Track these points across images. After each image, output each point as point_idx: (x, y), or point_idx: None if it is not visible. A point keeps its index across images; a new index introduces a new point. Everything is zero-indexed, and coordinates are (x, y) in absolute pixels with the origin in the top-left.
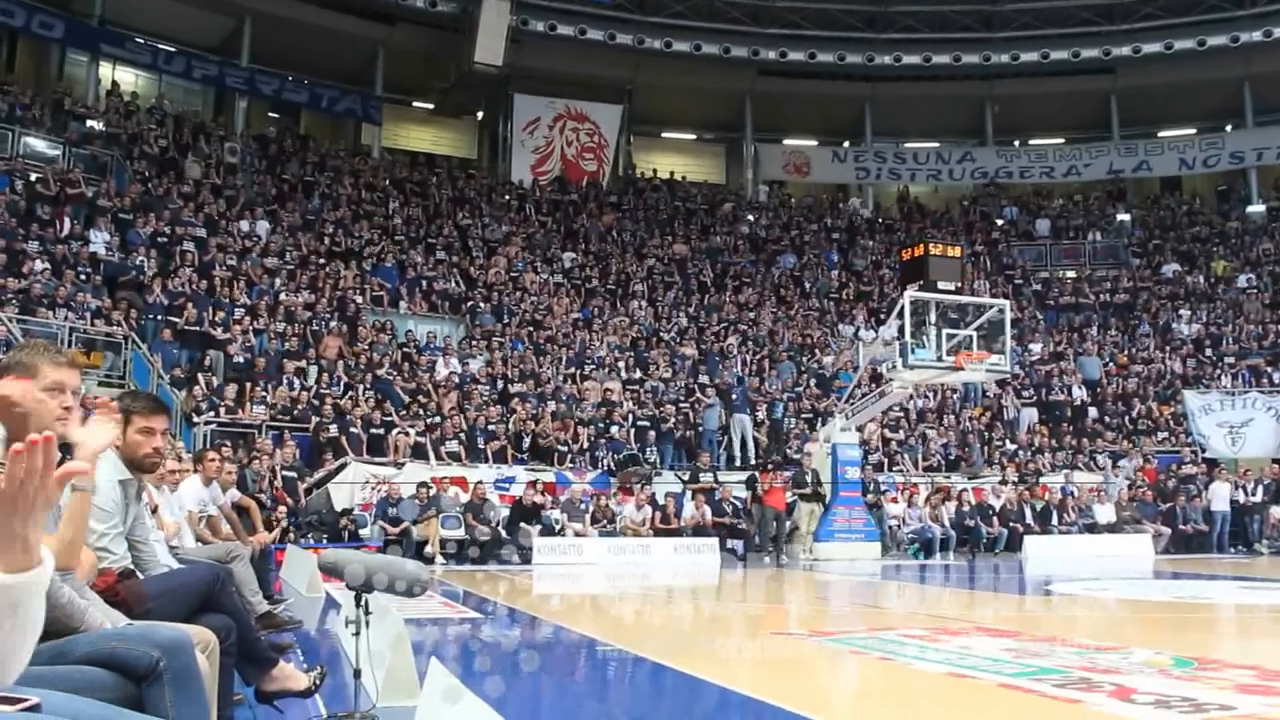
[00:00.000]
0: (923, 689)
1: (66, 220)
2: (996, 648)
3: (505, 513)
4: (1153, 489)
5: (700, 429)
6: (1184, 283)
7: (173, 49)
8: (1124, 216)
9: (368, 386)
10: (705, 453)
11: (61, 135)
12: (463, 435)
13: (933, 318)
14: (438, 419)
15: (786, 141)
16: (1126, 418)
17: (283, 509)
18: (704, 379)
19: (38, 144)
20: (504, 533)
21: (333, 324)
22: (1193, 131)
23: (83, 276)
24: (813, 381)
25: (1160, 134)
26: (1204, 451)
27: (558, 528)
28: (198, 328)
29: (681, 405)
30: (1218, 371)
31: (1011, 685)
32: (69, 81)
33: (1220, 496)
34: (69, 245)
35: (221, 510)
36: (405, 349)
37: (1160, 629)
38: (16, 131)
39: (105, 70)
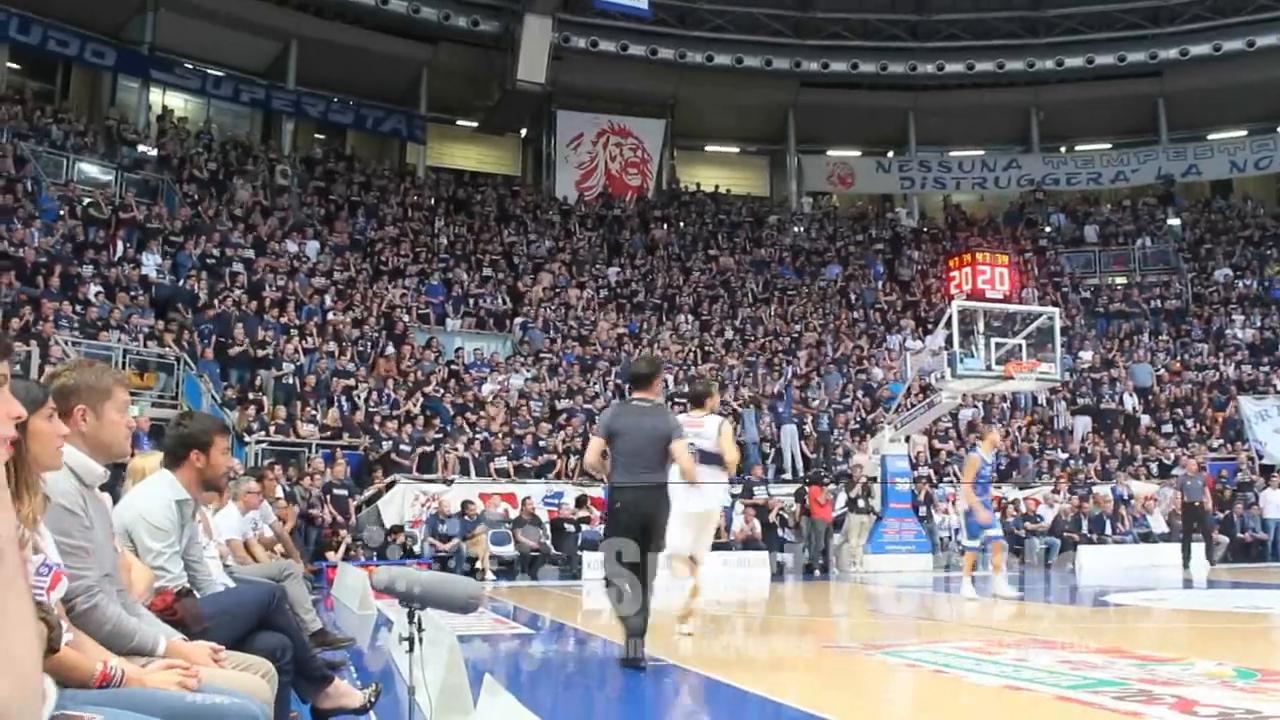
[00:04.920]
0: (979, 702)
1: (119, 244)
2: (1053, 659)
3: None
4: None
5: (744, 442)
6: (1236, 287)
7: (220, 74)
8: (1174, 221)
9: (416, 405)
10: (757, 465)
11: (114, 161)
12: (511, 451)
13: (980, 327)
14: (486, 435)
15: (830, 152)
16: (1180, 425)
17: (344, 532)
18: (749, 391)
19: (91, 169)
20: (552, 548)
21: (386, 351)
22: (1243, 133)
23: (135, 298)
24: (860, 393)
25: (1210, 136)
26: (1261, 458)
27: None
28: (247, 348)
29: (729, 418)
30: (1274, 377)
31: (1069, 698)
32: (120, 108)
33: (1274, 504)
34: (122, 268)
35: (274, 529)
36: (453, 366)
37: (1221, 640)
38: (71, 158)
39: (155, 96)
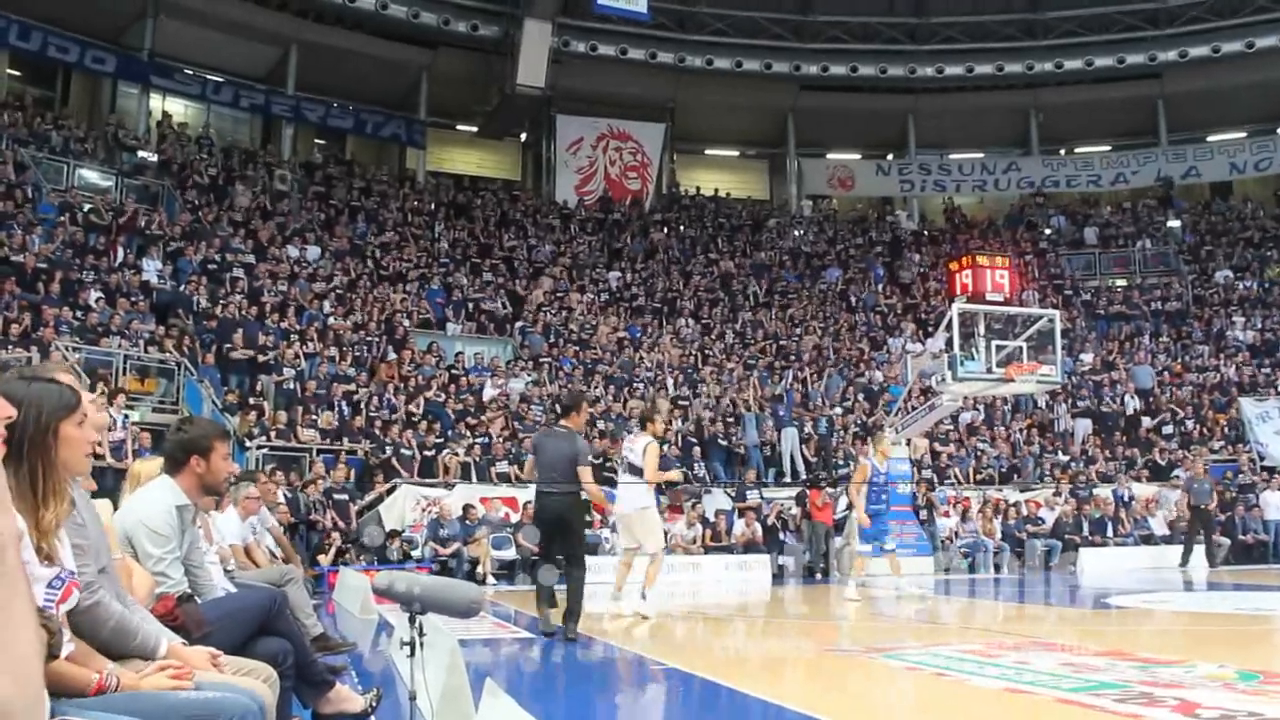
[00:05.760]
0: (980, 705)
1: (120, 249)
2: (1054, 662)
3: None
4: None
5: (745, 445)
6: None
7: (220, 79)
8: (1174, 223)
9: (417, 409)
10: (752, 469)
11: (114, 166)
12: (512, 455)
13: (981, 329)
14: (487, 439)
15: (830, 155)
16: (1181, 427)
17: (336, 534)
18: (750, 395)
19: (91, 175)
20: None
21: (387, 356)
22: (1243, 135)
23: (136, 304)
24: (861, 395)
25: (1209, 138)
26: (1262, 460)
27: (607, 546)
28: (248, 353)
29: (729, 421)
30: (1275, 378)
31: (1071, 701)
32: (120, 114)
33: (1274, 506)
34: (122, 274)
35: (272, 533)
36: (454, 370)
37: (1222, 642)
38: (71, 164)
39: (155, 102)
